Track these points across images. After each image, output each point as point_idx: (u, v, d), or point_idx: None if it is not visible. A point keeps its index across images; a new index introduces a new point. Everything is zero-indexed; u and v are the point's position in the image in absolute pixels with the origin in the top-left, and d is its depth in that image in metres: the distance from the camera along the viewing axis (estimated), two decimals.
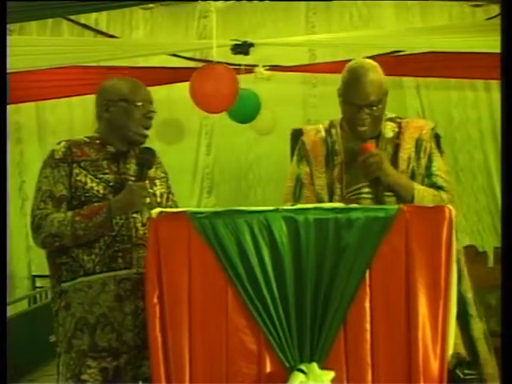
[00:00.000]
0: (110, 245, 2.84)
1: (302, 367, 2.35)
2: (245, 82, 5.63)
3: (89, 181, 2.86)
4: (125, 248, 2.84)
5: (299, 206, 2.68)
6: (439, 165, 2.95)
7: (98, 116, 2.99)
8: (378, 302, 2.41)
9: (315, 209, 2.48)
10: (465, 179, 6.29)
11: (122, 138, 2.94)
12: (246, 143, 6.53)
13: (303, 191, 2.94)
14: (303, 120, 6.24)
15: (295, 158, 3.03)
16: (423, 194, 2.82)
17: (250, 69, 5.75)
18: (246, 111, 5.68)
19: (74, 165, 2.87)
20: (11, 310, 5.32)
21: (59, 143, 2.93)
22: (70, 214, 2.81)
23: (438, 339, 2.40)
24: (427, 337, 2.39)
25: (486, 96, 6.29)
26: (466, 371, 2.65)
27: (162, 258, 2.43)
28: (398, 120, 3.01)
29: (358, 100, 2.84)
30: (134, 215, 2.87)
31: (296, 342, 2.40)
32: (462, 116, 6.31)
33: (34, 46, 5.42)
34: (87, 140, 2.96)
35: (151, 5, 6.26)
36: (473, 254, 5.98)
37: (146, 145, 2.99)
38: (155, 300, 2.43)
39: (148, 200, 2.84)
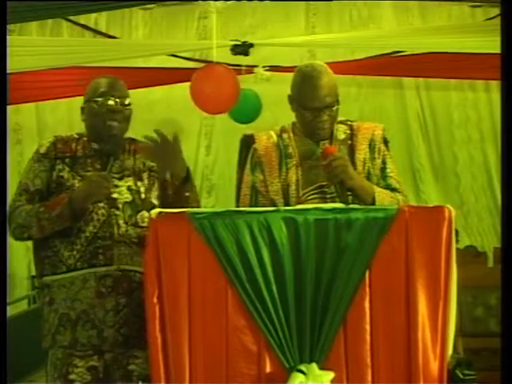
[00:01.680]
0: (91, 241, 2.84)
1: (302, 367, 2.35)
2: (244, 82, 5.63)
3: (70, 177, 2.88)
4: (106, 245, 2.85)
5: (299, 206, 2.69)
6: (392, 167, 2.97)
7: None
8: (377, 303, 2.41)
9: (315, 209, 2.48)
10: (465, 179, 6.28)
11: (98, 135, 2.96)
12: None
13: (259, 199, 2.94)
14: None
15: (248, 165, 3.02)
16: (383, 197, 2.82)
17: (239, 70, 5.74)
18: (246, 111, 5.67)
19: (58, 161, 2.91)
20: (11, 310, 5.32)
21: (48, 138, 2.99)
22: (37, 205, 2.84)
23: (437, 339, 2.40)
24: (427, 337, 2.39)
25: (485, 96, 6.28)
26: (465, 371, 2.65)
27: (161, 259, 2.43)
28: (349, 123, 3.03)
29: (317, 103, 2.85)
30: (117, 212, 2.87)
31: (296, 342, 2.40)
32: (462, 116, 6.31)
33: (34, 46, 5.41)
34: (76, 136, 3.02)
35: (151, 5, 6.25)
36: (473, 254, 5.99)
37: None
38: (155, 300, 2.43)
39: (112, 191, 2.85)
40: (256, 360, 2.40)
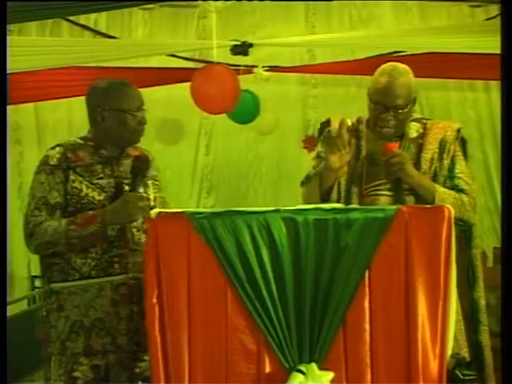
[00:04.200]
0: (106, 250, 2.84)
1: (302, 367, 2.34)
2: (244, 82, 5.63)
3: (84, 187, 2.84)
4: (121, 253, 2.85)
5: (299, 206, 2.69)
6: (462, 168, 2.98)
7: (91, 120, 2.96)
8: (377, 303, 2.40)
9: (315, 209, 2.48)
10: None
11: (116, 144, 2.94)
12: (245, 143, 6.53)
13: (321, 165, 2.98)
14: (303, 121, 6.24)
15: (319, 144, 3.10)
16: (444, 197, 2.84)
17: (238, 70, 5.74)
18: (245, 112, 5.68)
19: (70, 171, 2.85)
20: (10, 311, 5.32)
21: (53, 148, 2.90)
22: (64, 222, 2.79)
23: (437, 339, 2.40)
24: (426, 337, 2.39)
25: (485, 96, 6.29)
26: (465, 372, 2.64)
27: (161, 259, 2.42)
28: (424, 121, 3.06)
29: (385, 101, 2.89)
30: None
31: (295, 342, 2.40)
32: (462, 116, 6.31)
33: (34, 46, 5.41)
34: (81, 142, 2.95)
35: (151, 5, 6.26)
36: None
37: (144, 145, 3.01)
38: (154, 300, 2.43)
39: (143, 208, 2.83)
40: (255, 360, 2.40)
